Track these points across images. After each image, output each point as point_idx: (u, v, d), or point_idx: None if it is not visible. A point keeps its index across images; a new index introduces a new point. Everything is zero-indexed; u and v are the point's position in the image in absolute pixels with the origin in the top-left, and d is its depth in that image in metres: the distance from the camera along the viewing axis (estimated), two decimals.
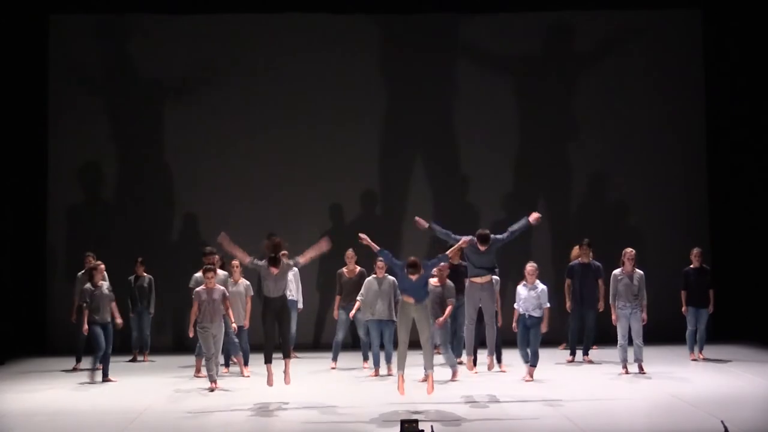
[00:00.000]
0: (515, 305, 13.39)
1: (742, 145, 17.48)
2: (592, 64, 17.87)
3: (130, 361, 15.69)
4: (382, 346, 13.89)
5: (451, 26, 17.90)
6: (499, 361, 13.89)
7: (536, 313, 13.23)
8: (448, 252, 12.16)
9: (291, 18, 17.74)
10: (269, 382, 12.11)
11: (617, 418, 10.88)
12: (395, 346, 12.35)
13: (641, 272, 13.82)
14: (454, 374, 13.10)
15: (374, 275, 13.93)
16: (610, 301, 13.88)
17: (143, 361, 15.79)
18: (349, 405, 11.67)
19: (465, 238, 12.25)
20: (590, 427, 10.23)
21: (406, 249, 17.43)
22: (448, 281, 13.23)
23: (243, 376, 13.92)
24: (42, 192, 17.45)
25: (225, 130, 17.57)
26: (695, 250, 14.94)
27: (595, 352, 15.40)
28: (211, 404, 11.88)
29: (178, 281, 16.30)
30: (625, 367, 13.65)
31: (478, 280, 12.47)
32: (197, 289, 13.02)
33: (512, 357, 14.04)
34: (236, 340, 13.90)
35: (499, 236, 12.54)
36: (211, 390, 12.73)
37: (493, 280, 14.02)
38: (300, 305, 15.63)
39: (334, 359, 14.73)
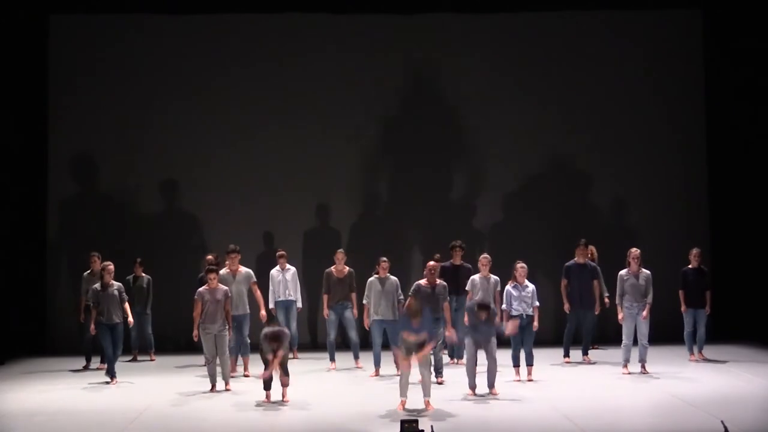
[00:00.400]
0: (503, 306, 13.31)
1: (742, 144, 17.48)
2: (592, 64, 17.86)
3: (130, 361, 15.69)
4: (383, 346, 13.84)
5: (451, 26, 17.89)
6: None
7: (530, 312, 13.23)
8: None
9: (291, 18, 17.74)
10: (267, 395, 12.01)
11: (617, 418, 10.88)
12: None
13: (648, 272, 13.80)
14: (438, 378, 12.92)
15: (376, 275, 13.88)
16: (617, 301, 13.87)
17: (150, 360, 15.79)
18: (349, 405, 11.67)
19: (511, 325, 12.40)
20: (590, 427, 10.23)
21: (406, 248, 17.48)
22: (440, 281, 13.15)
23: (245, 375, 13.90)
24: (42, 192, 17.44)
25: (225, 130, 17.56)
26: (694, 251, 14.94)
27: (593, 352, 15.38)
28: (212, 404, 11.88)
29: (178, 281, 16.31)
30: (626, 366, 13.63)
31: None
32: (200, 289, 13.00)
33: (501, 358, 14.03)
34: (248, 340, 13.88)
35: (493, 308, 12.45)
36: (211, 390, 12.72)
37: (493, 280, 14.00)
38: (299, 305, 15.64)
39: (332, 359, 14.73)
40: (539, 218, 17.57)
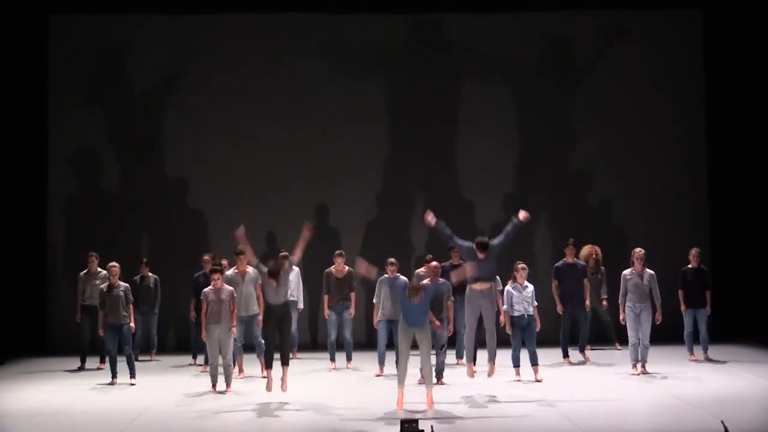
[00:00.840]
0: (504, 307, 13.28)
1: (742, 145, 17.48)
2: (591, 63, 17.86)
3: (126, 359, 15.65)
4: (388, 346, 13.83)
5: (451, 26, 17.90)
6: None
7: (531, 312, 13.22)
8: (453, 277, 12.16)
9: (291, 18, 17.74)
10: (268, 388, 12.11)
11: (617, 418, 10.88)
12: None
13: (652, 272, 13.79)
14: (439, 380, 12.96)
15: (386, 275, 13.87)
16: (619, 301, 13.86)
17: (150, 360, 15.78)
18: (349, 405, 11.67)
19: (468, 267, 12.05)
20: (590, 427, 10.23)
21: (405, 249, 17.48)
22: (444, 280, 13.16)
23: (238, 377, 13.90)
24: (42, 191, 17.45)
25: (225, 130, 17.56)
26: (693, 251, 14.94)
27: (591, 353, 15.37)
28: (212, 405, 11.88)
29: (179, 281, 16.30)
30: (635, 366, 13.58)
31: (478, 287, 12.22)
32: (205, 289, 12.99)
33: (501, 358, 14.03)
34: (262, 341, 13.89)
35: (495, 241, 12.38)
36: (212, 391, 12.73)
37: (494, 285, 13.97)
38: (300, 305, 15.63)
39: (332, 359, 14.73)
40: (539, 219, 17.56)
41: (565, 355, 14.97)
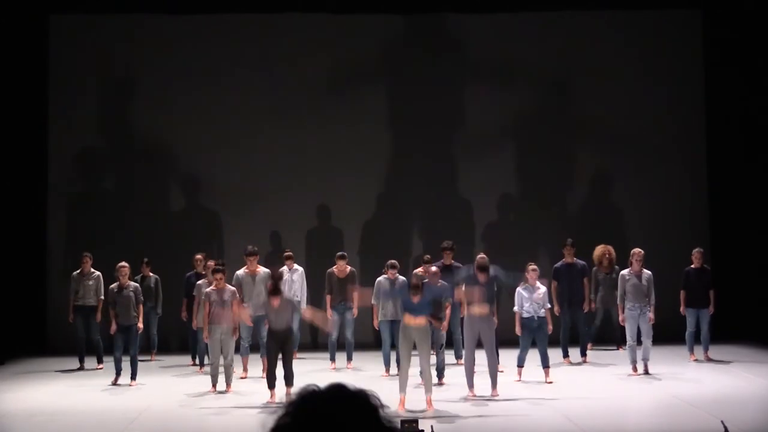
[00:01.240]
0: (515, 308, 13.30)
1: (742, 145, 17.47)
2: (591, 64, 17.85)
3: (129, 360, 15.65)
4: (392, 347, 13.82)
5: (451, 26, 17.89)
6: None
7: (542, 314, 13.20)
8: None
9: (291, 18, 17.74)
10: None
11: (617, 418, 10.88)
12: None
13: (649, 272, 13.79)
14: (439, 380, 12.96)
15: (385, 276, 13.87)
16: (618, 302, 13.85)
17: (150, 360, 15.78)
18: None
19: (476, 292, 12.07)
20: (590, 427, 10.23)
21: (405, 249, 17.48)
22: (442, 282, 13.14)
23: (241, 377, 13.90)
24: (42, 191, 17.44)
25: (225, 129, 17.56)
26: (696, 251, 14.94)
27: (594, 353, 15.38)
28: (212, 405, 11.88)
29: (181, 281, 16.30)
30: (635, 368, 13.56)
31: (477, 311, 12.14)
32: (207, 290, 12.98)
33: (508, 358, 14.04)
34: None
35: (499, 273, 12.39)
36: (212, 392, 12.72)
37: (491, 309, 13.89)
38: (303, 306, 15.62)
39: (332, 359, 14.74)
40: (540, 219, 17.56)
41: (565, 355, 14.96)
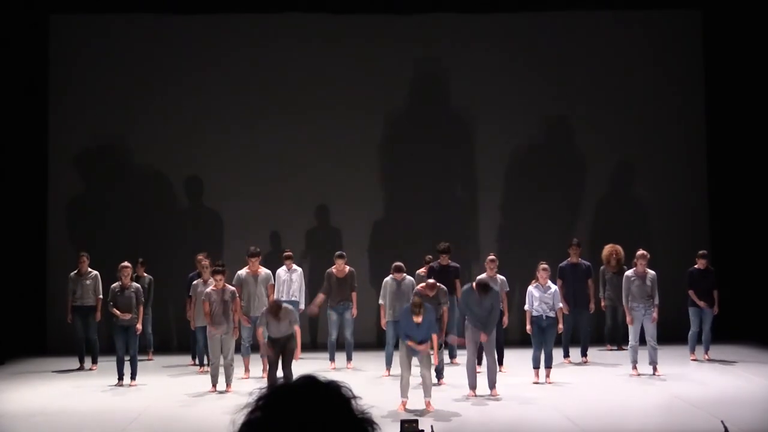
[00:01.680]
0: (526, 307, 13.29)
1: (742, 145, 17.47)
2: (592, 64, 17.85)
3: (129, 360, 15.65)
4: (395, 347, 13.81)
5: (451, 26, 17.89)
6: (500, 363, 13.83)
7: (552, 314, 13.18)
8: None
9: (291, 18, 17.74)
10: None
11: (617, 418, 10.88)
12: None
13: (653, 273, 13.78)
14: (439, 380, 12.98)
15: (392, 276, 13.87)
16: (623, 303, 13.84)
17: (148, 359, 15.77)
18: None
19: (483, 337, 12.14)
20: (590, 427, 10.23)
21: (405, 249, 17.46)
22: (441, 286, 13.12)
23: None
24: (42, 192, 17.44)
25: (225, 130, 17.55)
26: (701, 252, 14.97)
27: (597, 353, 15.37)
28: (212, 405, 11.88)
29: (179, 281, 16.30)
30: (635, 368, 13.54)
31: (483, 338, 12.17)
32: (207, 290, 12.98)
33: (513, 358, 14.04)
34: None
35: (497, 293, 12.46)
36: (212, 391, 12.72)
37: (500, 281, 13.90)
38: (302, 306, 15.62)
39: (332, 359, 14.74)
40: (541, 219, 17.56)
41: (566, 355, 14.96)
